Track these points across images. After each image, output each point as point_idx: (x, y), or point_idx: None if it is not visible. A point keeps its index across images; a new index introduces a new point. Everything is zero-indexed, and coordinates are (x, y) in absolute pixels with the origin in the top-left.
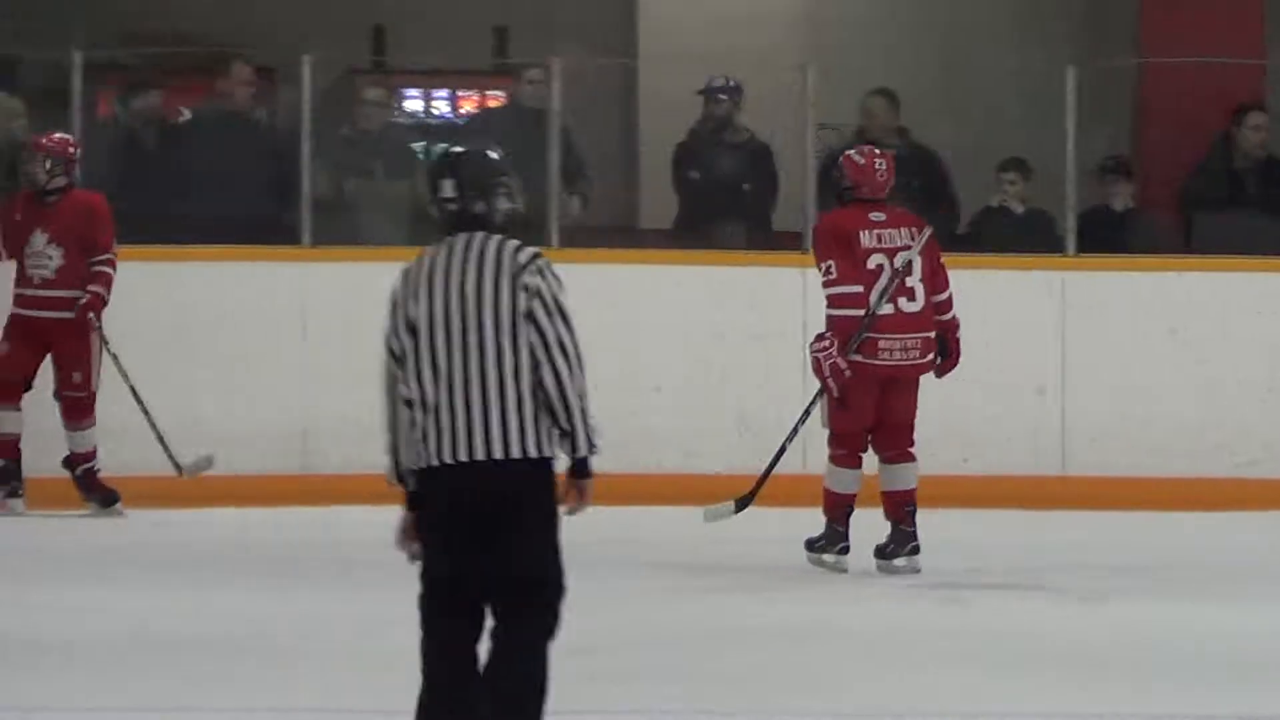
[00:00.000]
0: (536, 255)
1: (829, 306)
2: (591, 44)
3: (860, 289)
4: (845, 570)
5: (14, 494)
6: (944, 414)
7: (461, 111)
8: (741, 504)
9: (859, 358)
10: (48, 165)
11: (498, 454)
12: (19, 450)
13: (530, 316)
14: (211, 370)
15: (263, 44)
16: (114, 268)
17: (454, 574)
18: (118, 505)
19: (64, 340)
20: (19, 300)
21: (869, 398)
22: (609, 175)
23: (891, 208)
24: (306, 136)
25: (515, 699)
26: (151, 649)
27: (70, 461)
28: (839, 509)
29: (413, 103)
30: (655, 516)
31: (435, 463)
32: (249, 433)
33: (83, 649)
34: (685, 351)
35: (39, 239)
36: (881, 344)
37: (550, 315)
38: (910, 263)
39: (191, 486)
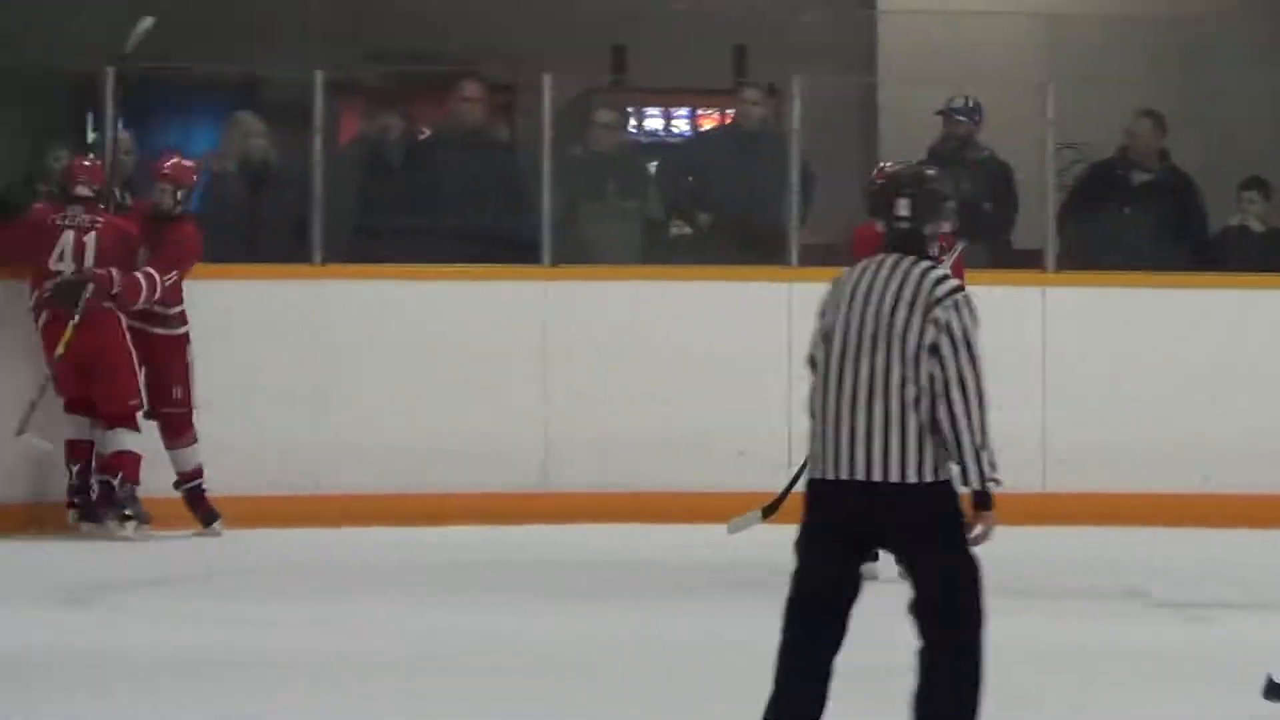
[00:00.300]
0: (956, 290)
1: None
2: (831, 63)
3: None
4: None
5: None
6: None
7: (702, 130)
8: (769, 510)
9: None
10: (178, 195)
11: (877, 476)
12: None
13: (935, 349)
14: (452, 387)
15: (504, 62)
16: (156, 285)
17: (820, 586)
18: (217, 525)
19: (162, 356)
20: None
21: None
22: (848, 195)
23: None
24: (547, 155)
25: None
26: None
27: (178, 481)
28: None
29: (652, 121)
30: None
31: (820, 476)
32: (489, 450)
33: (456, 666)
34: None
35: (144, 257)
36: None
37: (955, 350)
38: None
39: (430, 504)
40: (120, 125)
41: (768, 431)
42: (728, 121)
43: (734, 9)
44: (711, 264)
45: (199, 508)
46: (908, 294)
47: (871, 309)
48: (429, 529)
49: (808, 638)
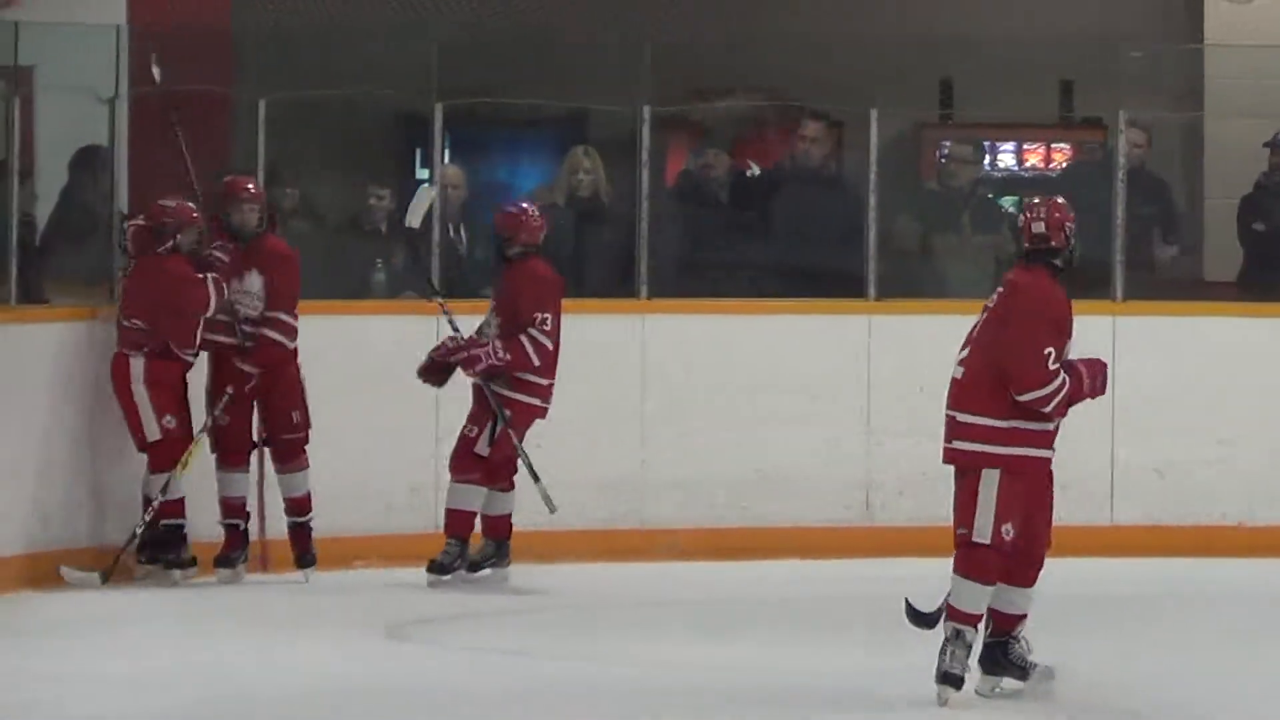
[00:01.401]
0: None
1: None
2: (1158, 97)
3: None
4: None
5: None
6: None
7: (1026, 165)
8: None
9: None
10: (259, 212)
11: None
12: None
13: None
14: (774, 420)
15: (831, 98)
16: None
17: None
18: (308, 572)
19: (272, 381)
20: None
21: None
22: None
23: None
24: (873, 189)
25: None
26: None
27: (289, 510)
28: None
29: (997, 156)
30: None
31: None
32: (813, 483)
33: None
34: (1254, 403)
35: (253, 279)
36: None
37: None
38: None
39: (751, 538)
40: (448, 160)
41: (1097, 463)
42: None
43: (1061, 43)
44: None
45: (301, 544)
46: None
47: None
48: (748, 563)
49: None
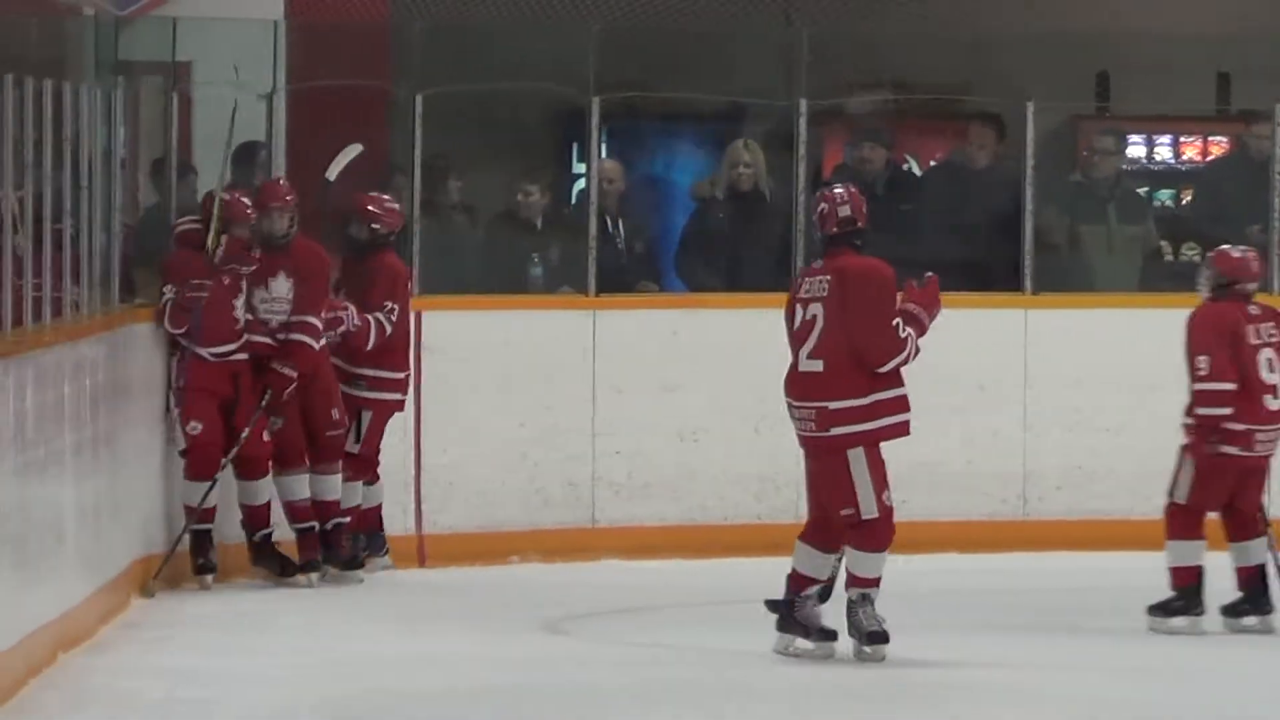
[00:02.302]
0: None
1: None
2: None
3: (1233, 386)
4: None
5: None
6: None
7: (1183, 158)
8: None
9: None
10: (289, 216)
11: None
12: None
13: None
14: (934, 412)
15: (987, 90)
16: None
17: None
18: (315, 577)
19: (310, 379)
20: (255, 344)
21: None
22: None
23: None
24: (1029, 183)
25: None
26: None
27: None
28: None
29: (1135, 149)
30: None
31: None
32: (970, 477)
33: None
34: None
35: (279, 284)
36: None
37: None
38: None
39: (909, 531)
40: (604, 154)
41: None
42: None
43: (1219, 36)
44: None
45: (336, 546)
46: None
47: None
48: (905, 556)
49: None
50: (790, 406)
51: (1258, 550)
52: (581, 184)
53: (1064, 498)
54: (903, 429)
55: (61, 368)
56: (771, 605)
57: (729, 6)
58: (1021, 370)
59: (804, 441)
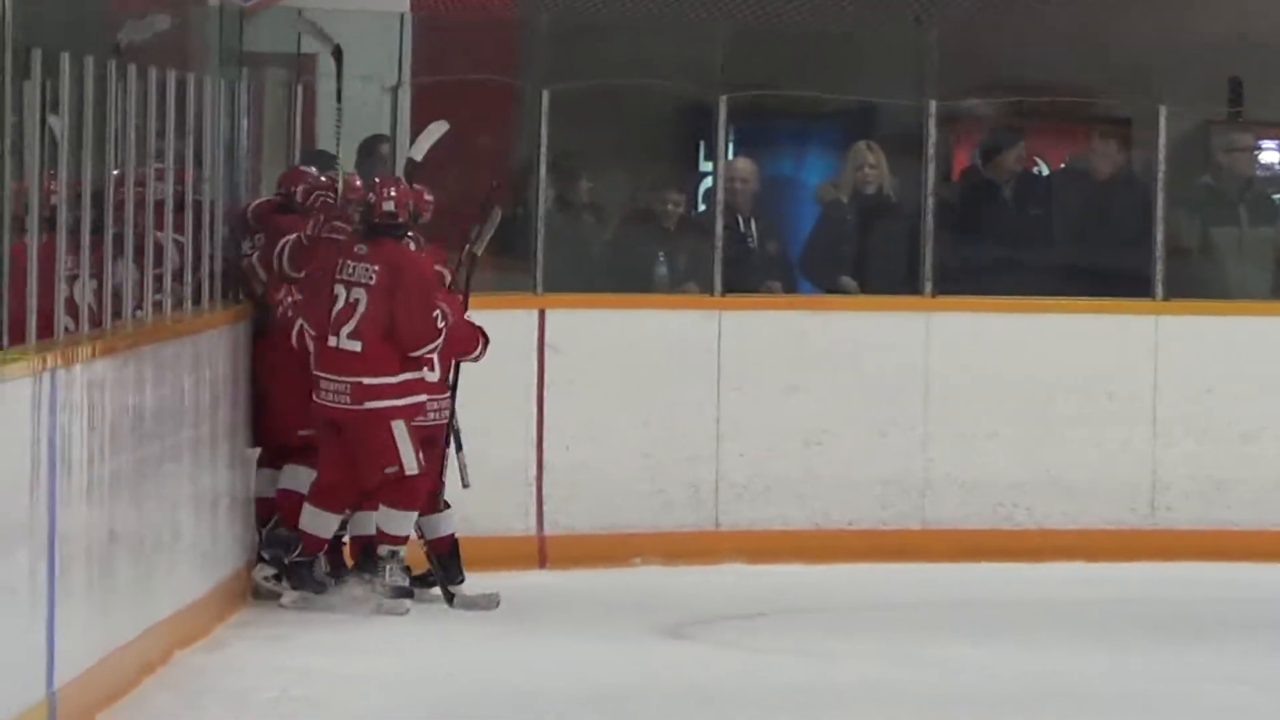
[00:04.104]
0: None
1: None
2: None
3: None
4: None
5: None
6: None
7: None
8: None
9: None
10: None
11: None
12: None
13: None
14: (1058, 420)
15: (1119, 93)
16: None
17: None
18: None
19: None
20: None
21: None
22: None
23: None
24: (1161, 188)
25: None
26: None
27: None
28: None
29: (1269, 154)
30: None
31: None
32: (1096, 485)
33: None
34: None
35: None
36: None
37: None
38: None
39: (1033, 539)
40: (731, 153)
41: None
42: None
43: None
44: None
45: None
46: None
47: None
48: (1031, 565)
49: None
50: (319, 379)
51: None
52: (708, 182)
53: (1193, 507)
54: (420, 409)
55: (181, 361)
56: (291, 566)
57: (858, 7)
58: (1152, 377)
59: (333, 413)
